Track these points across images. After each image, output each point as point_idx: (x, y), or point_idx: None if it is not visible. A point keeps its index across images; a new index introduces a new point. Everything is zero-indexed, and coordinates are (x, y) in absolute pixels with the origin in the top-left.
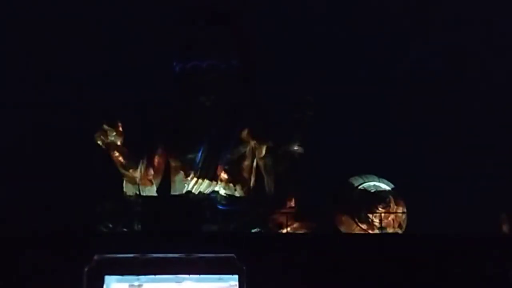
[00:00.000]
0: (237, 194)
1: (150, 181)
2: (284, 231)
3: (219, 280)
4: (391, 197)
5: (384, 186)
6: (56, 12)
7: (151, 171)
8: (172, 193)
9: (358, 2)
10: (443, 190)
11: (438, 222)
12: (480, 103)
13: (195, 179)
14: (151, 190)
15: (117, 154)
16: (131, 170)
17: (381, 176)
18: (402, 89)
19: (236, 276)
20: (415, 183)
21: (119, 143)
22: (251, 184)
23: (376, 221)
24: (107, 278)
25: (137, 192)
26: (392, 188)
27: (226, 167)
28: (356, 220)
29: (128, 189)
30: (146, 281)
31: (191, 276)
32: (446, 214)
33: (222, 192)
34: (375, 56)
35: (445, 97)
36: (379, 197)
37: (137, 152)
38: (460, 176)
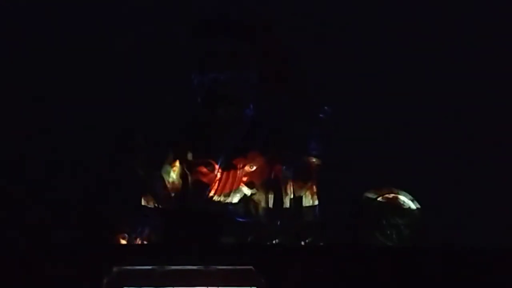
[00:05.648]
0: (255, 206)
1: (169, 193)
2: (304, 243)
3: None
4: (411, 209)
5: (404, 198)
6: (72, 27)
7: (170, 183)
8: (191, 205)
9: (391, 15)
10: (465, 202)
11: (460, 235)
12: (508, 119)
13: (213, 191)
14: (170, 202)
15: (136, 166)
16: (149, 182)
17: (401, 188)
18: (425, 102)
19: None
20: (435, 196)
21: (138, 156)
22: (270, 196)
23: (397, 234)
24: None
25: (156, 204)
26: (412, 201)
27: (245, 179)
28: (377, 232)
29: (147, 201)
30: None
31: None
32: (468, 227)
33: (241, 204)
34: (397, 70)
35: (466, 109)
36: (399, 209)
37: (155, 164)
38: (482, 188)
